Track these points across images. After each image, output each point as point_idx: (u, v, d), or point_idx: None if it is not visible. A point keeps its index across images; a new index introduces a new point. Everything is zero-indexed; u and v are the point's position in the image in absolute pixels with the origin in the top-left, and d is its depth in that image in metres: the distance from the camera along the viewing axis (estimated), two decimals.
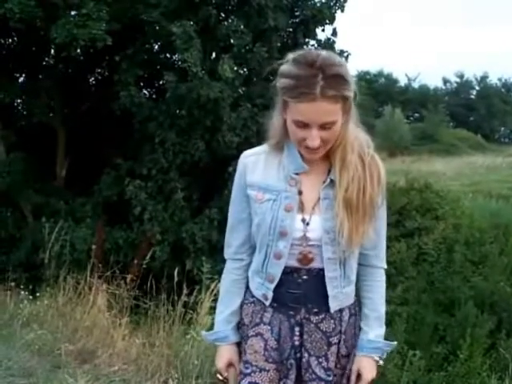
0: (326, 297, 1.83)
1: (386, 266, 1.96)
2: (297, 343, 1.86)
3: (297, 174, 1.81)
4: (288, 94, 1.65)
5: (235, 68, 9.56)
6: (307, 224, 1.79)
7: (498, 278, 8.84)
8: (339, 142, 1.74)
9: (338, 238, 1.76)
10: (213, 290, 4.99)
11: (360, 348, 1.90)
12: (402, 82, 54.99)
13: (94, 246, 7.23)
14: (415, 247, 10.00)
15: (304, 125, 1.66)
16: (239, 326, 1.97)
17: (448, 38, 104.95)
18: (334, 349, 1.86)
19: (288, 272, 1.83)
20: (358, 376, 1.89)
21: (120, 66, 9.80)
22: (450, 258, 9.58)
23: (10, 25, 8.55)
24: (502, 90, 54.58)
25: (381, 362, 1.94)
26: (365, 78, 51.67)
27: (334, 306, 1.84)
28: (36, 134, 10.88)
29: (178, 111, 9.59)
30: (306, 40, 11.30)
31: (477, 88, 54.65)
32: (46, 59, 11.05)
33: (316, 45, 11.37)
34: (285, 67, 1.69)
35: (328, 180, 1.79)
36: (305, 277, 1.83)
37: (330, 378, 1.85)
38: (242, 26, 9.72)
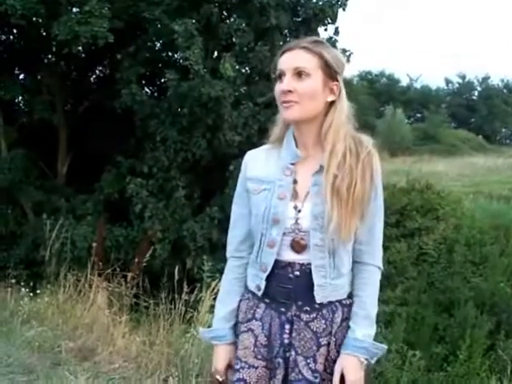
0: (314, 291, 1.81)
1: (380, 266, 1.91)
2: (286, 341, 1.84)
3: (293, 164, 1.84)
4: (278, 57, 1.89)
5: (237, 67, 9.55)
6: (299, 211, 1.80)
7: (498, 279, 8.84)
8: (328, 124, 1.81)
9: (326, 224, 1.75)
10: (213, 289, 4.99)
11: (345, 346, 1.83)
12: (404, 82, 54.99)
13: (94, 244, 7.23)
14: (415, 247, 10.00)
15: (281, 73, 1.83)
16: (235, 323, 1.96)
17: (450, 39, 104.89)
18: (323, 350, 1.82)
19: (281, 266, 1.83)
20: (342, 378, 1.80)
21: (122, 64, 9.79)
22: (451, 258, 9.58)
23: (12, 21, 8.53)
24: (504, 91, 54.48)
25: (365, 363, 1.83)
26: (366, 78, 51.69)
27: (319, 296, 1.81)
28: (37, 132, 10.86)
29: (179, 109, 9.58)
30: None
31: (478, 89, 54.58)
32: (48, 56, 11.03)
33: None
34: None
35: (318, 166, 1.81)
36: (297, 272, 1.82)
37: (317, 381, 1.81)
38: (243, 25, 9.71)
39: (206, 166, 9.96)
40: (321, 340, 1.82)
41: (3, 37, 10.87)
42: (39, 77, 11.20)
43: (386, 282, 8.13)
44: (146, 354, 4.33)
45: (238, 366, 1.88)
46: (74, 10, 8.71)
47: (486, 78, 54.14)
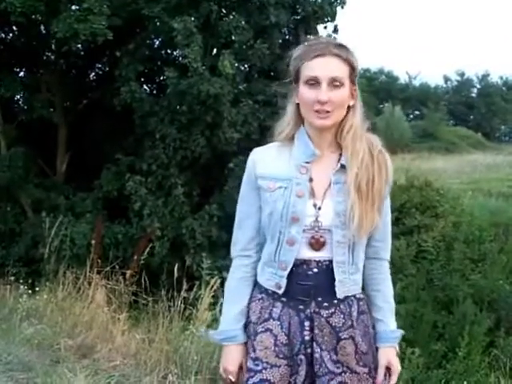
0: (335, 287, 1.84)
1: (389, 259, 2.01)
2: (307, 338, 1.85)
3: (307, 162, 1.86)
4: (302, 58, 1.82)
5: (236, 64, 9.56)
6: (319, 208, 1.83)
7: (497, 276, 8.85)
8: (349, 127, 1.85)
9: (349, 221, 1.80)
10: (212, 286, 4.99)
11: (384, 340, 1.93)
12: (403, 79, 54.93)
13: (93, 242, 7.22)
14: (414, 245, 10.00)
15: (315, 81, 1.79)
16: (246, 324, 1.94)
17: (449, 36, 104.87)
18: (343, 343, 1.85)
19: (298, 264, 1.84)
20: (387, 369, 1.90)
21: (121, 62, 9.80)
22: (450, 255, 9.59)
23: (11, 19, 8.53)
24: (503, 88, 54.38)
25: (398, 351, 1.97)
26: (365, 76, 51.50)
27: (340, 292, 1.84)
28: (36, 129, 10.87)
29: (178, 107, 9.58)
30: (308, 37, 11.29)
31: (477, 86, 54.50)
32: (47, 54, 11.03)
33: None
34: (297, 48, 1.87)
35: (339, 165, 1.85)
36: (315, 269, 1.84)
37: (340, 370, 1.85)
38: (243, 22, 9.70)
39: (205, 163, 9.97)
40: (340, 334, 1.85)
41: (3, 35, 10.88)
42: (38, 74, 11.20)
43: None
44: (145, 352, 4.33)
45: (259, 367, 1.86)
46: (74, 7, 8.70)
47: (485, 76, 54.07)
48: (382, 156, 1.88)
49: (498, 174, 22.15)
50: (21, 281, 6.63)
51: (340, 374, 1.85)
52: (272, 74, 10.77)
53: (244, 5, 10.13)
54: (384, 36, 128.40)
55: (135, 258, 6.88)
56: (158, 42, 11.02)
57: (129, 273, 6.15)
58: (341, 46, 1.83)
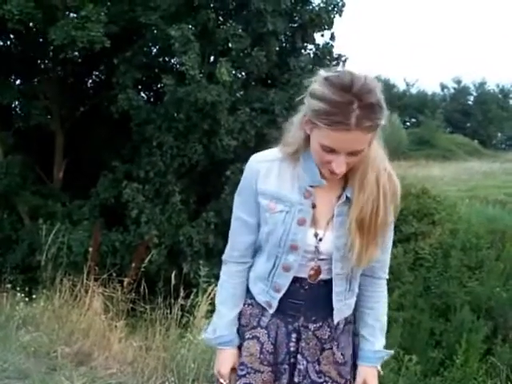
0: (328, 308, 1.83)
1: (388, 277, 1.95)
2: (292, 349, 1.86)
3: (312, 186, 1.76)
4: (320, 118, 1.55)
5: (233, 72, 9.58)
6: (320, 240, 1.77)
7: (494, 284, 8.86)
8: (361, 162, 1.69)
9: (348, 255, 1.75)
10: (209, 294, 4.98)
11: (365, 359, 1.90)
12: (400, 87, 55.09)
13: (90, 249, 7.21)
14: (412, 252, 10.03)
15: (331, 150, 1.59)
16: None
17: (446, 44, 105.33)
18: (326, 354, 1.85)
19: (292, 281, 1.82)
20: None
21: (118, 69, 9.81)
22: (447, 263, 9.60)
23: (9, 26, 8.54)
24: (500, 96, 54.57)
25: (380, 370, 1.93)
26: None
27: (337, 318, 1.85)
28: (33, 136, 10.87)
29: (175, 114, 9.60)
30: (305, 44, 11.34)
31: (474, 94, 54.68)
32: (45, 62, 11.05)
33: (314, 49, 11.41)
34: (318, 88, 1.57)
35: (344, 197, 1.76)
36: (306, 286, 1.83)
37: (321, 380, 1.85)
38: (240, 30, 9.74)
39: (203, 171, 9.98)
40: (325, 345, 1.86)
41: (0, 42, 10.88)
42: (36, 82, 11.20)
43: None
44: (142, 359, 4.31)
45: (243, 372, 1.88)
46: (71, 15, 8.73)
47: (481, 83, 54.27)
48: (390, 180, 1.79)
49: (495, 182, 22.19)
50: (17, 288, 6.60)
51: (321, 383, 1.85)
52: (269, 81, 10.80)
53: (241, 13, 10.17)
54: (381, 44, 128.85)
55: (134, 265, 6.86)
56: (155, 50, 11.04)
57: (126, 280, 6.13)
58: (369, 108, 1.52)
